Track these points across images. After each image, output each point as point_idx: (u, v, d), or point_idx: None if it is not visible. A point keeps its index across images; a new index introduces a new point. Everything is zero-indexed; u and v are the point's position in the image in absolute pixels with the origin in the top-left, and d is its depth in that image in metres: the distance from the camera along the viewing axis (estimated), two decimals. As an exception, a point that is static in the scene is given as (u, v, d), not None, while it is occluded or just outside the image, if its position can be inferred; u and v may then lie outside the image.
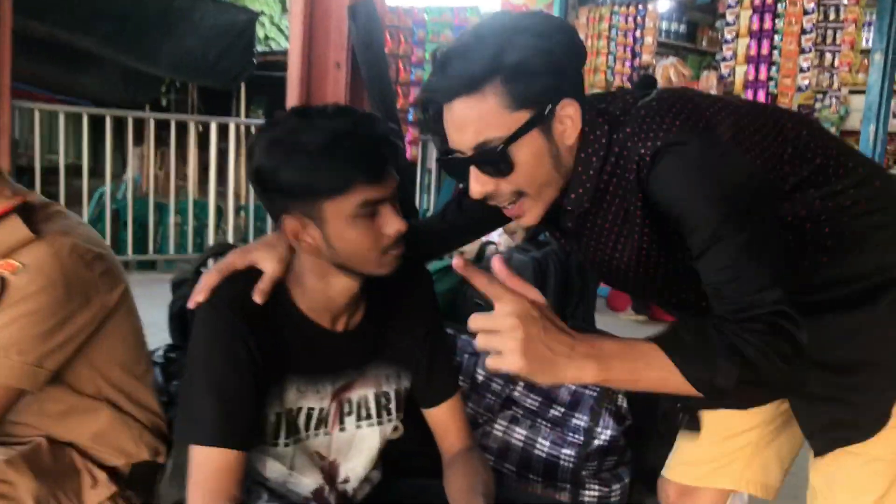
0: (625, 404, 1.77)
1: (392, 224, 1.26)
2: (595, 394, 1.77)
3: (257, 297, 1.31)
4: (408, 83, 6.34)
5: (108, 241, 5.83)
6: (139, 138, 7.63)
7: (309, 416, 1.39)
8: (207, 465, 1.26)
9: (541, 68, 1.12)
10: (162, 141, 8.26)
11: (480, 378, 1.92)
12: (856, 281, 1.20)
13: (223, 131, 6.47)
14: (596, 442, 1.74)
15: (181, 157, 8.86)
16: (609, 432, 1.74)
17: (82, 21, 6.94)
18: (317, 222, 1.25)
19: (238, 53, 8.05)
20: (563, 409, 1.79)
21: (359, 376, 1.44)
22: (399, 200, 1.36)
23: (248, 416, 1.29)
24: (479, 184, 1.18)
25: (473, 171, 1.18)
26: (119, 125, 6.68)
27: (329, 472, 1.45)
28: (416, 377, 1.51)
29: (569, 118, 1.16)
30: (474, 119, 1.14)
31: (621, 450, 1.79)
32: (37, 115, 5.82)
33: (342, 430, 1.44)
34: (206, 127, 6.62)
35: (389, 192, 1.26)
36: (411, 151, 6.40)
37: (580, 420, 1.76)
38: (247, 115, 12.35)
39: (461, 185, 1.34)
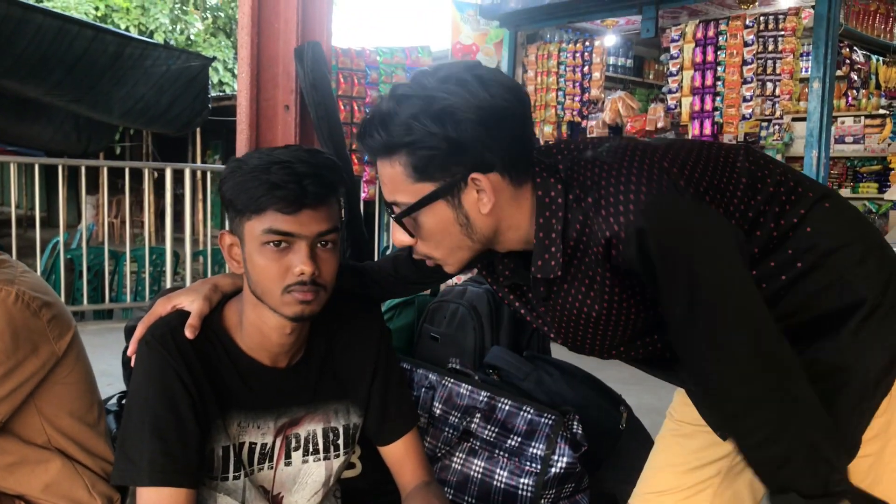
0: (580, 431, 1.79)
1: (298, 263, 1.27)
2: (551, 422, 1.78)
3: (188, 332, 1.34)
4: (363, 124, 6.38)
5: (62, 292, 5.82)
6: (93, 187, 7.53)
7: (252, 451, 1.40)
8: None
9: (440, 150, 1.15)
10: (117, 189, 8.17)
11: (438, 412, 1.93)
12: (815, 309, 1.19)
13: (179, 177, 6.43)
14: (553, 470, 1.75)
15: (137, 204, 8.78)
16: (566, 459, 1.75)
17: (32, 70, 6.88)
18: (241, 241, 1.32)
19: (191, 99, 8.03)
20: (519, 439, 1.80)
21: (306, 412, 1.45)
22: (351, 239, 1.38)
23: (191, 452, 1.29)
24: (399, 234, 1.27)
25: (394, 223, 1.26)
26: (73, 174, 6.60)
27: None
28: (368, 415, 1.51)
29: (482, 191, 1.18)
30: (388, 181, 1.22)
31: (579, 476, 1.80)
32: (-14, 166, 5.76)
33: (288, 464, 1.44)
34: (162, 174, 6.57)
35: (307, 230, 1.27)
36: (369, 191, 6.43)
37: (537, 449, 1.77)
38: (203, 161, 12.33)
39: None
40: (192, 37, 14.57)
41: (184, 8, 14.52)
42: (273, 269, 1.27)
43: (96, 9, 13.12)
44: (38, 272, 5.96)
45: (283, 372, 1.41)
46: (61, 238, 6.02)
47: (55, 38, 6.59)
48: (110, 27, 9.44)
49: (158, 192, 7.32)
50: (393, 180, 1.20)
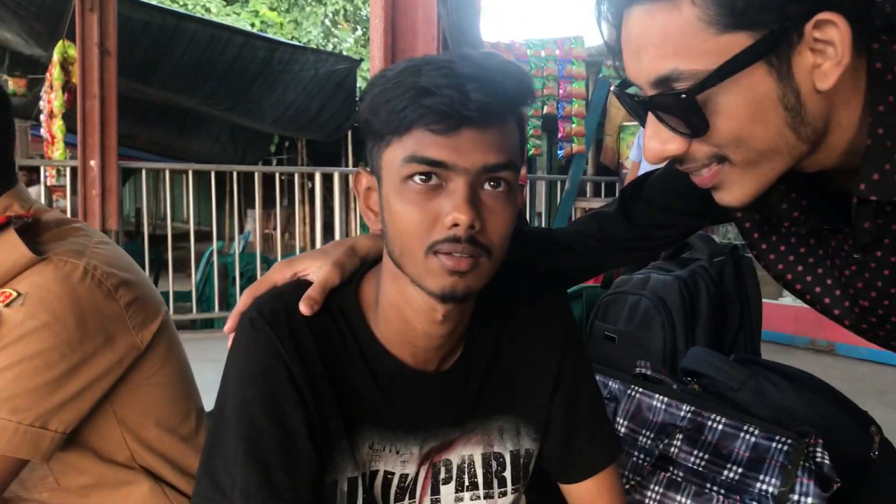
0: (827, 460, 1.30)
1: (450, 209, 0.84)
2: (785, 447, 1.31)
3: (303, 308, 0.94)
4: (513, 119, 6.11)
5: (216, 297, 5.87)
6: (251, 201, 7.78)
7: (387, 483, 0.99)
8: None
9: None
10: (274, 202, 8.37)
11: (622, 430, 1.50)
12: None
13: (329, 187, 6.42)
14: (792, 514, 1.28)
15: (292, 216, 9.09)
16: (810, 500, 1.27)
17: (187, 80, 7.11)
18: (378, 181, 0.90)
19: (340, 104, 8.05)
20: (740, 470, 1.33)
21: (460, 433, 1.03)
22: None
23: (301, 482, 0.90)
24: (657, 141, 0.80)
25: (651, 120, 0.80)
26: (232, 189, 6.76)
27: None
28: (547, 439, 1.09)
29: (829, 43, 0.73)
30: (657, 39, 0.76)
31: (827, 524, 1.32)
32: (143, 174, 5.94)
33: (435, 501, 1.03)
34: (314, 182, 6.64)
35: (467, 161, 0.84)
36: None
37: (767, 484, 1.30)
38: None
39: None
40: (343, 52, 14.93)
41: (335, 18, 14.89)
42: (415, 216, 0.85)
43: (252, 25, 13.64)
44: (195, 280, 6.01)
45: (434, 378, 1.00)
46: (214, 246, 6.12)
47: (208, 46, 6.75)
48: (259, 33, 9.71)
49: (312, 204, 7.46)
50: (670, 37, 0.75)
